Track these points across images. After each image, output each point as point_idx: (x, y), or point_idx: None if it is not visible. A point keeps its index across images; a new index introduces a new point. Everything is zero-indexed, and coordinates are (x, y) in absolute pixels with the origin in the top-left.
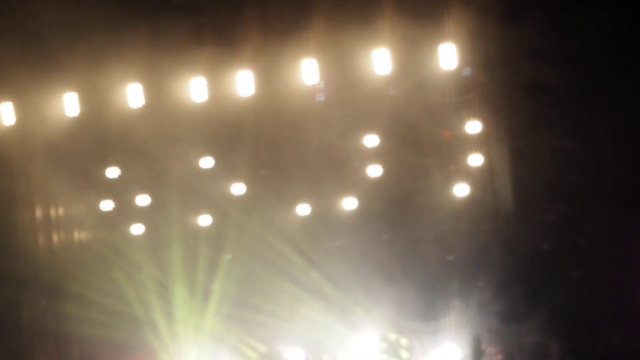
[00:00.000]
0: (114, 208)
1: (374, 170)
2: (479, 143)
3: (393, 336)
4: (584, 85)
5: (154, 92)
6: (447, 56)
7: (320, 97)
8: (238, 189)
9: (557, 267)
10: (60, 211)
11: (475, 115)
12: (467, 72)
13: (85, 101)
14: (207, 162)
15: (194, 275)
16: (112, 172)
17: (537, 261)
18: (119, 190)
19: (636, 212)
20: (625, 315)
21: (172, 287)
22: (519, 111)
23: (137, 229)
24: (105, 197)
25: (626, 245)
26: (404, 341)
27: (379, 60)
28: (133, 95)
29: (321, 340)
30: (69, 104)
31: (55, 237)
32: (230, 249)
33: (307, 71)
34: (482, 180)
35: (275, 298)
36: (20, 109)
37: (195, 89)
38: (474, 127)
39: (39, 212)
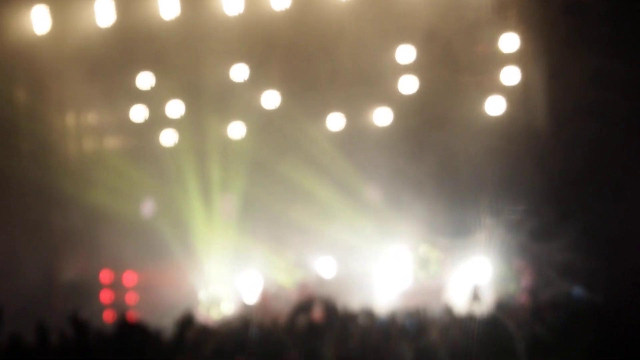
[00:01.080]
0: (146, 115)
1: (408, 86)
2: (515, 60)
3: (423, 249)
4: (623, 4)
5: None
6: None
7: None
8: (270, 100)
9: (590, 186)
10: (93, 117)
11: (513, 32)
12: None
13: (118, 8)
14: (240, 72)
15: (225, 186)
16: (145, 79)
17: (570, 180)
18: (152, 98)
19: None
20: None
21: (202, 198)
22: (556, 29)
23: (168, 137)
24: (138, 104)
25: None
26: (434, 254)
27: None
28: (166, 4)
29: (351, 250)
30: (102, 9)
31: (87, 143)
32: (262, 161)
33: None
34: (517, 98)
35: (306, 209)
36: (54, 13)
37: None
38: (510, 44)
39: (71, 118)
